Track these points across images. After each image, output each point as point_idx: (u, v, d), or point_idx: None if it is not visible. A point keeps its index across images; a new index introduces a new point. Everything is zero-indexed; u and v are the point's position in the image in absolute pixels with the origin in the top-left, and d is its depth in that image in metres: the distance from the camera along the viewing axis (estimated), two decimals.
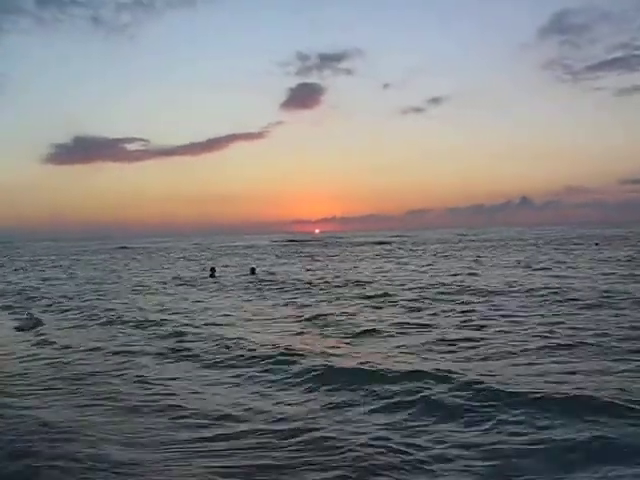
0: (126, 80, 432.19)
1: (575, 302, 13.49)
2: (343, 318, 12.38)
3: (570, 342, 9.02)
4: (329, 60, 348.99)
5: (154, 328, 12.01)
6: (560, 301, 13.84)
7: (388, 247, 57.39)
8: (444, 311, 13.06)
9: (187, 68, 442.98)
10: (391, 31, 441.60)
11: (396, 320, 12.02)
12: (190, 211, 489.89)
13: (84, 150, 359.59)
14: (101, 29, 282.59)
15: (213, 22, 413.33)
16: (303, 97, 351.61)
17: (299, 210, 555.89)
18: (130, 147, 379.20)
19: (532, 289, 16.19)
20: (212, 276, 25.58)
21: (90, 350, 10.05)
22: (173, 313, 14.49)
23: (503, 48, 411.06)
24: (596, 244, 45.19)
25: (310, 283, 20.74)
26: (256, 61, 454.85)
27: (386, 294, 16.27)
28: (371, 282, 20.18)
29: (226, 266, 33.41)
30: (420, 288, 17.58)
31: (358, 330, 10.90)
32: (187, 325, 12.23)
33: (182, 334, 11.10)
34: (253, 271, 26.63)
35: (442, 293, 16.32)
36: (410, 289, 17.46)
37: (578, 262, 26.81)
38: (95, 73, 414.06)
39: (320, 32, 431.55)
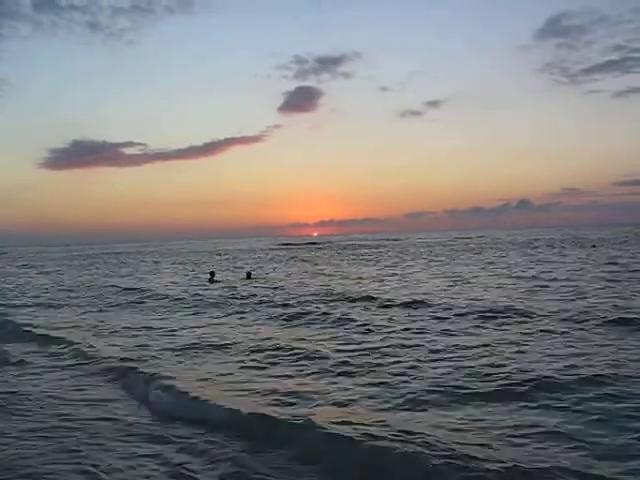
0: (124, 84, 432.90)
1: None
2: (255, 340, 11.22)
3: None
4: (327, 63, 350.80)
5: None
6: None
7: (380, 250, 58.17)
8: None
9: (185, 72, 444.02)
10: (389, 34, 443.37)
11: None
12: (188, 215, 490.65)
13: (81, 154, 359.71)
14: (99, 34, 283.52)
15: (211, 27, 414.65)
16: (301, 100, 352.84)
17: (297, 213, 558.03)
18: (128, 151, 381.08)
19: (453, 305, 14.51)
20: (211, 280, 25.74)
21: None
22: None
23: (500, 51, 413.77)
24: (593, 246, 45.50)
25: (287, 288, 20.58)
26: (254, 65, 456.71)
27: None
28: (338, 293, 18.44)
29: (217, 270, 33.97)
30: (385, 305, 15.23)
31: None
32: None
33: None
34: (249, 275, 26.93)
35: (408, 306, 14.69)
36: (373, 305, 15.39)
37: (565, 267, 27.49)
38: (93, 78, 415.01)
39: (318, 35, 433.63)
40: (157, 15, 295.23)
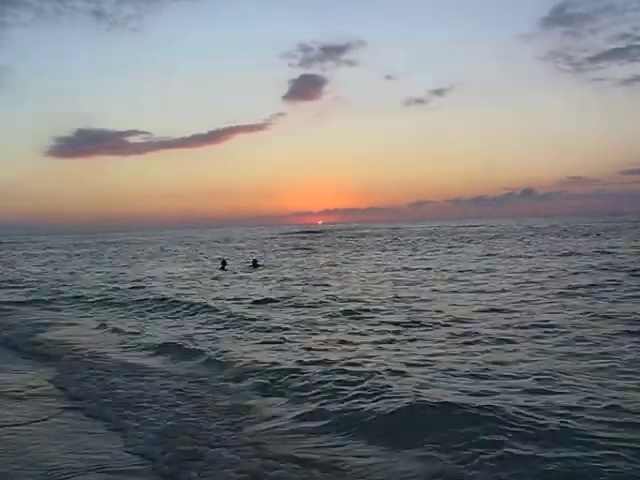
0: (128, 73, 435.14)
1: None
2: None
3: None
4: (331, 51, 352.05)
5: None
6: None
7: (378, 239, 60.10)
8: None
9: (189, 60, 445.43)
10: (393, 23, 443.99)
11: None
12: (192, 203, 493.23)
13: (86, 143, 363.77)
14: (103, 22, 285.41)
15: (215, 14, 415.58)
16: (305, 88, 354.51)
17: (301, 202, 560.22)
18: (132, 140, 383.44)
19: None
20: (223, 269, 26.61)
21: None
22: None
23: (505, 39, 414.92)
24: (597, 234, 46.60)
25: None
26: (258, 53, 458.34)
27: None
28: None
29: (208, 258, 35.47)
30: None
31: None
32: None
33: None
34: (255, 263, 27.83)
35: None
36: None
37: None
38: (97, 66, 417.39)
39: (322, 24, 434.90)
40: (161, 2, 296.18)
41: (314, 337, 10.44)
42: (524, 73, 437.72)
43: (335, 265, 27.77)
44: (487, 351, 8.74)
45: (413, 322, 11.31)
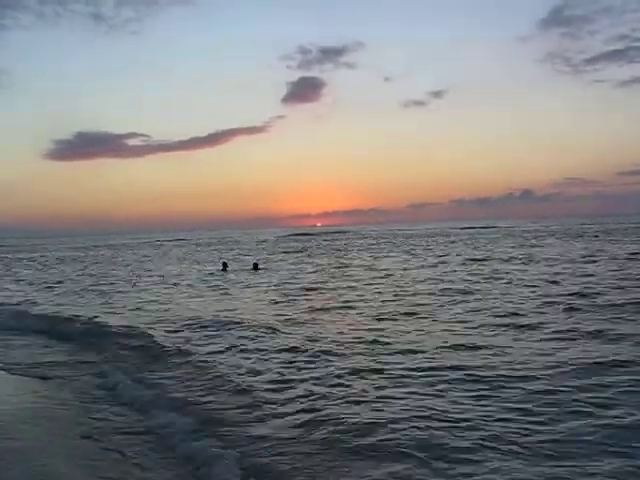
0: (127, 75, 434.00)
1: None
2: None
3: None
4: (330, 54, 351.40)
5: None
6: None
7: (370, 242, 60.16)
8: None
9: (188, 63, 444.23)
10: (392, 24, 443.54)
11: None
12: (191, 206, 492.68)
13: (85, 146, 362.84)
14: (102, 25, 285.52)
15: (212, 17, 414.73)
16: (304, 91, 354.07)
17: (300, 204, 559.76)
18: (131, 142, 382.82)
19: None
20: (224, 270, 27.25)
21: None
22: None
23: (504, 41, 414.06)
24: (595, 236, 46.83)
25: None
26: (257, 55, 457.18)
27: None
28: None
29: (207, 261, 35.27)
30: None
31: None
32: None
33: None
34: (256, 266, 27.70)
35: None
36: None
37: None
38: (96, 69, 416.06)
39: (321, 25, 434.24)
40: (160, 5, 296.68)
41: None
42: (522, 74, 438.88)
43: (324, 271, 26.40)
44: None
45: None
